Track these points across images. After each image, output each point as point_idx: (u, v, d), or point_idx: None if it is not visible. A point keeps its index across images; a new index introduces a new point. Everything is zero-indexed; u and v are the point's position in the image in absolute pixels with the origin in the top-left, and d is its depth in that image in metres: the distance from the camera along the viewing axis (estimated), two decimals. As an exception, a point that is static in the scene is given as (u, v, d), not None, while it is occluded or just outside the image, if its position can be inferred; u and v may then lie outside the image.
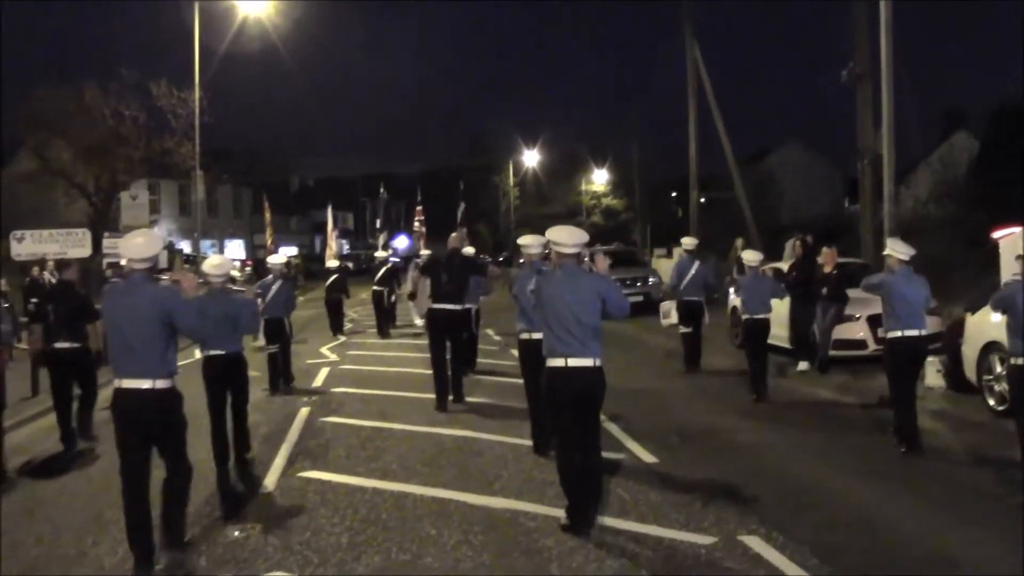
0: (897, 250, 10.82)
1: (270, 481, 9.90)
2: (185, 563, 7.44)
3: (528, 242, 10.89)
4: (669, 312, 17.64)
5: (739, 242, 22.44)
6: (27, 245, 22.33)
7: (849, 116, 21.04)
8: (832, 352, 15.66)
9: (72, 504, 9.50)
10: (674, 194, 70.25)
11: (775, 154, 69.93)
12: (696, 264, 17.00)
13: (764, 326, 14.23)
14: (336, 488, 9.54)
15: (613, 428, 11.89)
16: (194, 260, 36.11)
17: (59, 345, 11.99)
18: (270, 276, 16.23)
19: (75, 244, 22.81)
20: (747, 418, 12.70)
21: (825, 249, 15.92)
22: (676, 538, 7.59)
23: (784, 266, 17.94)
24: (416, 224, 35.50)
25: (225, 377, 10.37)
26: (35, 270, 22.05)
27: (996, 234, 13.19)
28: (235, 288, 11.44)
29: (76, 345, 12.04)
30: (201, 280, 9.53)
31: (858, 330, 15.89)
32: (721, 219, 38.93)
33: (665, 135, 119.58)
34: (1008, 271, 11.59)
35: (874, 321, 15.69)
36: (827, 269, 15.86)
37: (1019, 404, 9.26)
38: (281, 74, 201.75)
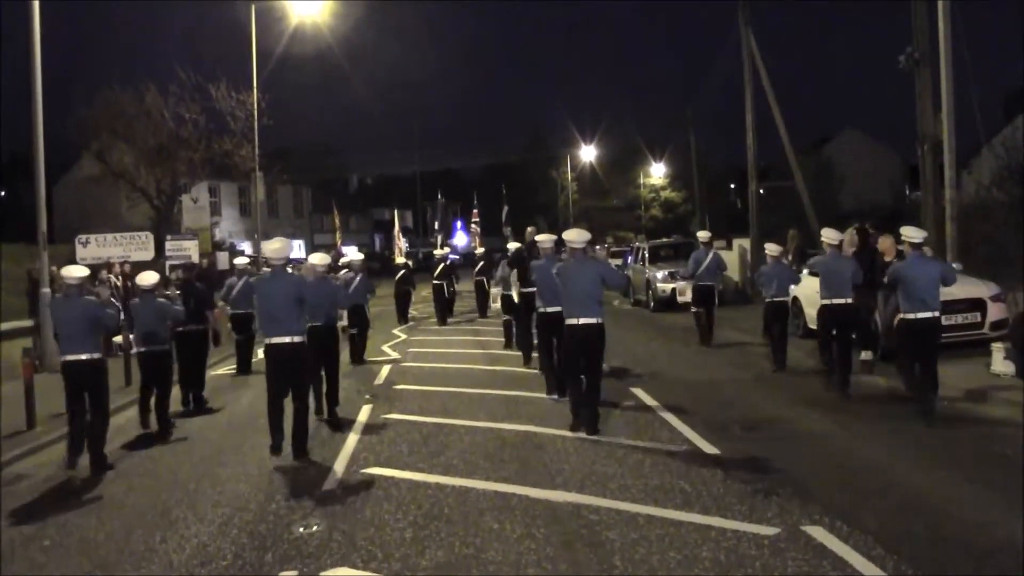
0: (828, 236, 14.11)
1: (334, 478, 10.03)
2: (306, 463, 10.81)
3: (543, 239, 14.15)
4: (685, 291, 22.53)
5: (792, 232, 22.41)
6: (92, 249, 22.75)
7: (910, 101, 20.67)
8: (897, 340, 15.43)
9: (140, 501, 9.70)
10: (732, 185, 69.87)
11: (835, 141, 69.31)
12: (710, 254, 20.22)
13: (785, 308, 16.54)
14: (399, 484, 9.63)
15: (674, 420, 11.97)
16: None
17: (189, 328, 14.91)
18: (346, 270, 19.57)
19: (138, 247, 23.21)
20: (809, 408, 12.64)
21: (882, 237, 15.70)
22: (739, 529, 7.57)
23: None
24: (472, 225, 36.94)
25: (320, 344, 13.13)
26: (103, 273, 22.42)
27: None
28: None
29: (202, 327, 15.45)
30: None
31: (922, 318, 15.66)
32: (781, 208, 38.55)
33: (723, 126, 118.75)
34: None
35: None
36: (887, 257, 15.64)
37: (909, 353, 12.09)
38: (338, 73, 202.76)
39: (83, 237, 23.04)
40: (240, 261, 20.05)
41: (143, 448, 12.53)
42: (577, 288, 11.59)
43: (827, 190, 46.13)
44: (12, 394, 14.62)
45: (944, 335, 15.26)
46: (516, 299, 17.41)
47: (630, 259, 36.07)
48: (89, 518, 9.18)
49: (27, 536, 8.67)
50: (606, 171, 75.75)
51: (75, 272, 11.62)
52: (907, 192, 56.00)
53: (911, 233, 12.15)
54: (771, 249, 17.02)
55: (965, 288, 16.04)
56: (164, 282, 14.52)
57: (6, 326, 19.95)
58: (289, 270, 11.87)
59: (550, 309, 13.51)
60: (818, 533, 7.35)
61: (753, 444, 10.64)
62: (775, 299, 16.27)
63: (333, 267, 18.58)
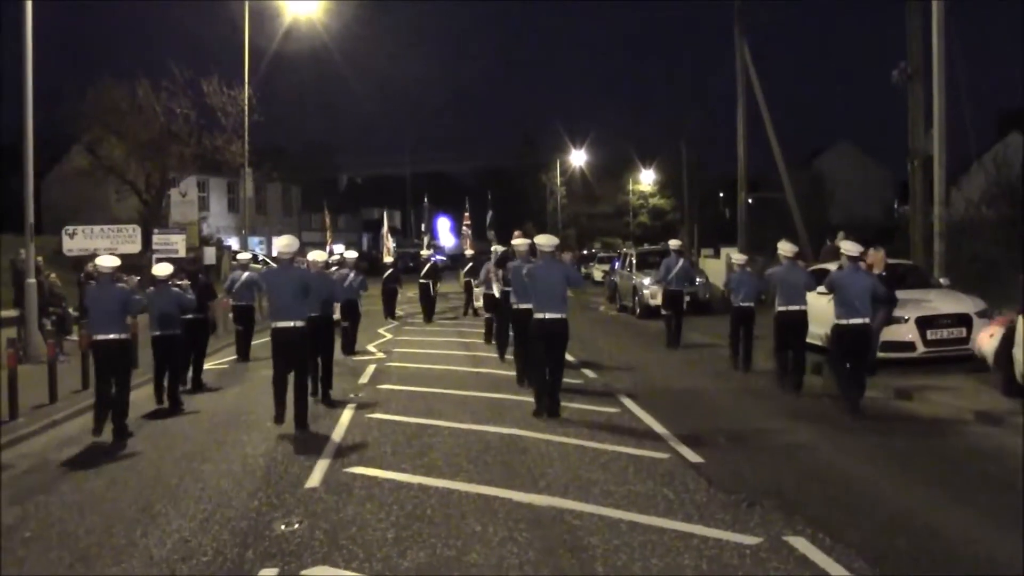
0: (784, 249, 15.56)
1: (316, 476, 9.98)
2: (306, 434, 12.27)
3: (519, 243, 15.34)
4: (656, 295, 25.15)
5: (782, 243, 22.64)
6: (78, 240, 22.63)
7: (902, 116, 20.70)
8: (880, 354, 15.46)
9: (122, 495, 9.65)
10: (722, 195, 69.97)
11: (826, 154, 69.57)
12: (680, 261, 21.62)
13: (750, 313, 17.41)
14: (382, 484, 9.60)
15: (658, 427, 11.99)
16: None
17: (191, 316, 15.65)
18: (337, 267, 20.14)
19: (125, 240, 23.09)
20: (794, 419, 12.64)
21: (872, 251, 15.70)
22: (722, 538, 7.55)
23: (832, 267, 17.83)
24: (464, 228, 37.82)
25: (318, 332, 14.34)
26: (90, 265, 22.29)
27: None
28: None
29: (202, 316, 16.72)
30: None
31: (907, 332, 15.68)
32: (770, 220, 38.60)
33: (714, 135, 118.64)
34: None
35: (924, 323, 15.56)
36: (875, 271, 15.68)
37: (841, 355, 13.17)
38: (331, 72, 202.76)
39: (70, 228, 22.92)
40: (242, 257, 21.87)
41: (158, 419, 14.12)
42: (545, 287, 13.00)
43: (817, 203, 46.20)
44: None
45: (929, 350, 15.49)
46: (498, 295, 18.37)
47: (617, 265, 36.09)
48: (71, 511, 9.13)
49: (7, 528, 8.60)
50: (596, 176, 75.81)
51: (109, 262, 12.96)
52: (895, 207, 56.15)
53: (849, 247, 13.48)
54: (737, 258, 19.13)
55: (951, 303, 16.13)
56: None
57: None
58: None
59: (523, 306, 14.50)
60: (800, 544, 7.33)
61: (738, 454, 10.64)
62: (742, 304, 17.47)
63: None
